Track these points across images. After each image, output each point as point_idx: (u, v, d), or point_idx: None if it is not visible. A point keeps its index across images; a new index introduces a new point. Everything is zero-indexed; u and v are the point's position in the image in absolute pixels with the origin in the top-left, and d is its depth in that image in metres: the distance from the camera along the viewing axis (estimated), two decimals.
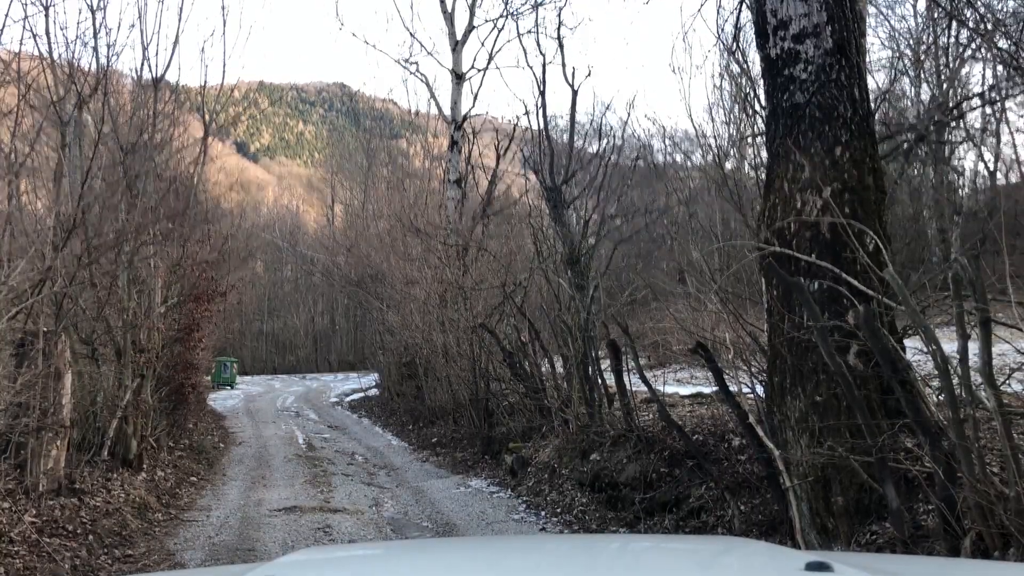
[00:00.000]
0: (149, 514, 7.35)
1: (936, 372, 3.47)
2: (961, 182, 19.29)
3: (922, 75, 16.06)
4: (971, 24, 7.18)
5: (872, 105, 5.44)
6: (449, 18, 18.36)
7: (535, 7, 17.84)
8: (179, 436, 11.49)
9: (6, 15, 6.27)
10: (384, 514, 7.77)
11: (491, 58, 18.85)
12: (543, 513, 7.46)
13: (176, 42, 9.76)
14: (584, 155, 13.57)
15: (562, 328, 9.19)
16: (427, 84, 26.33)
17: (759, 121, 7.98)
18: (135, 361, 8.56)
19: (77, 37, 13.02)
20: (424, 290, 14.32)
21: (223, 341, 23.77)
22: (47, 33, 7.43)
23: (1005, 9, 8.22)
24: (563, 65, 23.96)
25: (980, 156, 18.57)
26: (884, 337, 3.67)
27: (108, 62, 8.51)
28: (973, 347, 3.21)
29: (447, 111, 18.37)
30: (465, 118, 18.09)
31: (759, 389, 5.52)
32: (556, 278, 10.04)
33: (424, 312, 14.20)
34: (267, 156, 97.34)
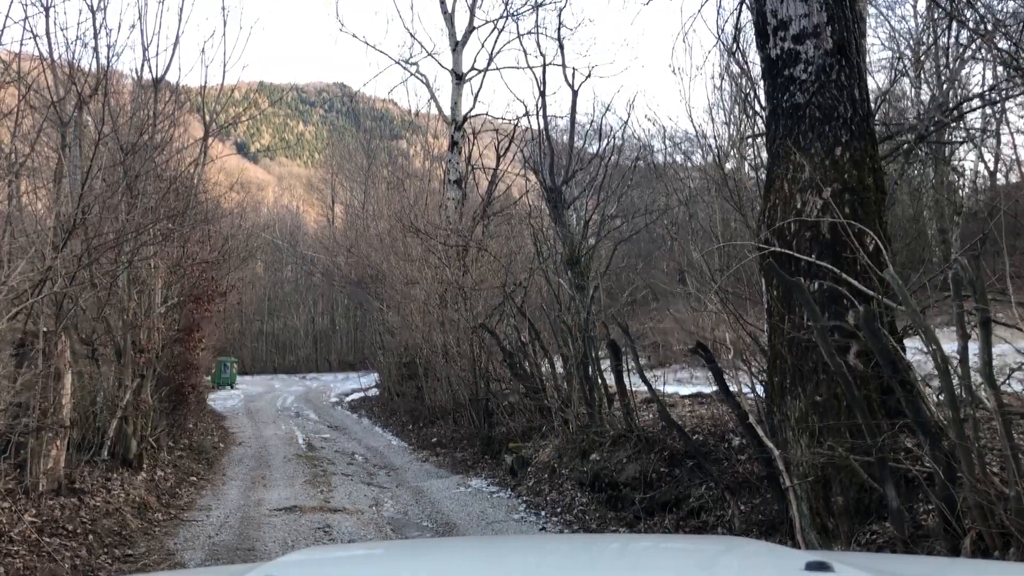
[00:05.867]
0: (149, 514, 7.35)
1: (936, 372, 3.47)
2: (961, 182, 19.30)
3: (922, 76, 16.06)
4: (971, 25, 7.18)
5: (872, 105, 5.44)
6: (449, 19, 18.38)
7: (535, 8, 17.89)
8: (179, 436, 11.50)
9: (6, 15, 6.27)
10: (384, 514, 7.77)
11: (491, 59, 18.88)
12: (543, 513, 7.46)
13: (176, 43, 9.83)
14: (584, 155, 13.55)
15: (562, 328, 9.18)
16: (427, 85, 26.22)
17: (759, 122, 7.99)
18: (135, 361, 8.57)
19: (77, 37, 13.02)
20: (424, 290, 14.32)
21: (223, 341, 23.76)
22: (47, 33, 7.42)
23: (1005, 9, 8.22)
24: (563, 66, 23.82)
25: (980, 156, 18.58)
26: (884, 337, 3.67)
27: (108, 62, 8.51)
28: (973, 347, 3.21)
29: (447, 111, 18.38)
30: (465, 118, 18.10)
31: (759, 389, 5.52)
32: (556, 278, 10.04)
33: (424, 312, 14.20)
34: (267, 156, 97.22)
